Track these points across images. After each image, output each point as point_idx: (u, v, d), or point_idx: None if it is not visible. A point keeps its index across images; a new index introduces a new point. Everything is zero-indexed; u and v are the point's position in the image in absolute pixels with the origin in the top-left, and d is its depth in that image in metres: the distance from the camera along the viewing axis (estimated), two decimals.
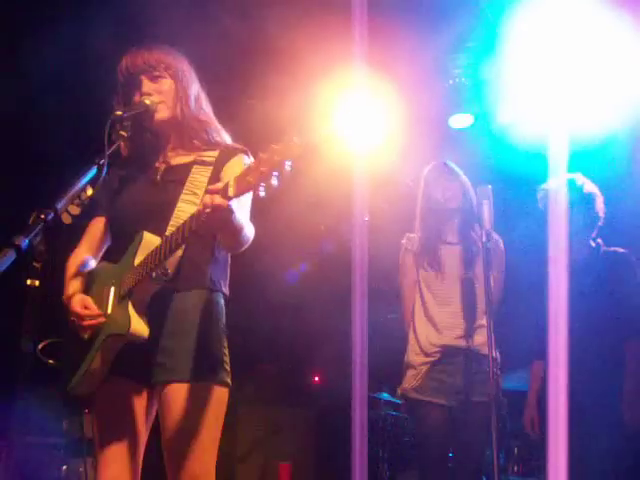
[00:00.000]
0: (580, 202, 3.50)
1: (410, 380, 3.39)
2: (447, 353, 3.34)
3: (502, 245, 3.53)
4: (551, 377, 1.96)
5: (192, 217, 2.04)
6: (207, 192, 2.00)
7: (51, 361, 2.22)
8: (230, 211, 1.99)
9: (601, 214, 3.57)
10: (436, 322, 3.39)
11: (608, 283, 3.44)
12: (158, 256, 2.12)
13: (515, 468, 4.39)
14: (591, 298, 3.32)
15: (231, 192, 1.94)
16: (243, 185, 1.92)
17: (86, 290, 2.28)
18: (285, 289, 5.21)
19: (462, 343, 3.32)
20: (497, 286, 3.42)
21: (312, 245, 5.21)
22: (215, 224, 2.02)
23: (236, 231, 2.12)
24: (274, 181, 1.87)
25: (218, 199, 1.95)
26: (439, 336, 3.37)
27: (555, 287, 1.94)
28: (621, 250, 3.57)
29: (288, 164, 1.87)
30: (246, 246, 2.24)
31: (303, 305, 5.13)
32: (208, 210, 1.96)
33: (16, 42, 3.84)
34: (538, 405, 3.61)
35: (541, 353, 3.52)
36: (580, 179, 3.57)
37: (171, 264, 2.18)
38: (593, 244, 3.58)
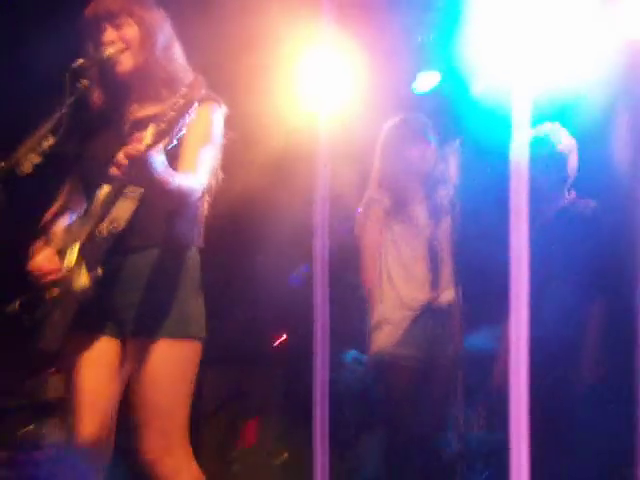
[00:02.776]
0: (552, 159, 3.48)
1: (387, 337, 3.37)
2: (430, 307, 3.34)
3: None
4: (513, 331, 1.97)
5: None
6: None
7: (26, 317, 2.19)
8: (146, 162, 1.92)
9: (573, 171, 3.55)
10: (416, 276, 3.38)
11: (576, 241, 3.45)
12: (101, 210, 2.09)
13: (480, 423, 4.44)
14: (558, 255, 3.34)
15: (147, 140, 1.89)
16: (158, 133, 1.88)
17: (60, 246, 2.25)
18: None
19: (445, 297, 3.31)
20: None
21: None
22: (136, 177, 1.95)
23: (160, 184, 2.03)
24: (184, 127, 1.83)
25: (131, 149, 1.89)
26: (420, 291, 3.37)
27: (516, 242, 1.93)
28: (592, 204, 3.55)
29: (194, 107, 1.84)
30: (186, 200, 2.16)
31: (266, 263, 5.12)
32: (123, 162, 1.90)
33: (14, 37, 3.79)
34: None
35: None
36: (555, 133, 3.53)
37: (120, 218, 2.14)
38: (564, 200, 3.56)
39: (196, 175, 2.17)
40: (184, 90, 1.91)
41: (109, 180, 2.14)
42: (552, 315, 3.11)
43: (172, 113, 1.88)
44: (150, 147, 1.89)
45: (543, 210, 3.46)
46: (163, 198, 2.13)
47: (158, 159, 1.94)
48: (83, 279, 2.14)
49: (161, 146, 1.92)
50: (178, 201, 2.15)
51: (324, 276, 2.73)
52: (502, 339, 3.72)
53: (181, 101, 1.88)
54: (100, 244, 2.16)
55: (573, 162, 3.55)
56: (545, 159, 3.43)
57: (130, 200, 2.14)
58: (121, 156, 1.91)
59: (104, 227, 2.13)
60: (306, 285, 3.14)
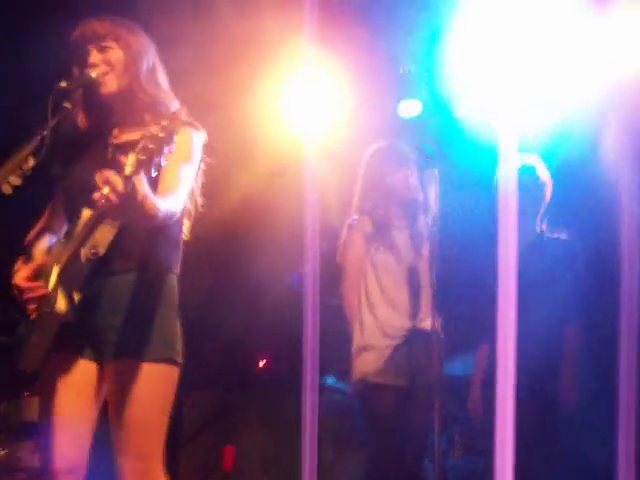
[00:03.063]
0: (531, 188, 3.52)
1: (370, 363, 3.35)
2: (411, 335, 3.34)
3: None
4: (500, 361, 1.96)
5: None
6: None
7: (3, 338, 2.18)
8: (127, 192, 1.91)
9: (546, 202, 3.62)
10: (397, 304, 3.38)
11: (551, 269, 3.49)
12: (82, 235, 2.09)
13: (457, 452, 4.44)
14: (533, 283, 3.36)
15: (127, 171, 1.90)
16: (139, 164, 1.89)
17: (40, 267, 2.24)
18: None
19: (426, 325, 3.31)
20: None
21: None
22: (119, 206, 1.94)
23: (142, 211, 2.01)
24: (163, 159, 1.85)
25: (112, 177, 1.90)
26: (401, 318, 3.36)
27: (504, 273, 1.94)
28: (564, 237, 3.62)
29: (174, 139, 1.85)
30: (166, 222, 2.16)
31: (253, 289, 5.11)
32: (105, 190, 1.90)
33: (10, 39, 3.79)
34: (483, 388, 3.65)
35: (485, 337, 3.57)
36: (535, 164, 3.59)
37: (101, 243, 2.14)
38: (538, 229, 3.62)
39: (175, 197, 2.18)
40: (165, 122, 1.91)
41: (91, 204, 2.14)
42: (528, 342, 3.13)
43: (152, 145, 1.88)
44: (129, 178, 1.89)
45: (519, 238, 3.50)
46: (144, 223, 2.12)
47: (140, 188, 1.93)
48: (60, 304, 2.13)
49: (143, 175, 1.92)
50: (158, 224, 2.15)
51: (315, 300, 2.72)
52: (476, 365, 3.73)
53: (161, 134, 1.88)
54: (80, 269, 2.15)
55: (548, 194, 3.61)
56: (525, 188, 3.46)
57: (111, 225, 2.13)
58: (104, 185, 1.90)
59: (84, 252, 2.13)
60: (290, 309, 3.13)
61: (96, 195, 1.94)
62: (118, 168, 2.10)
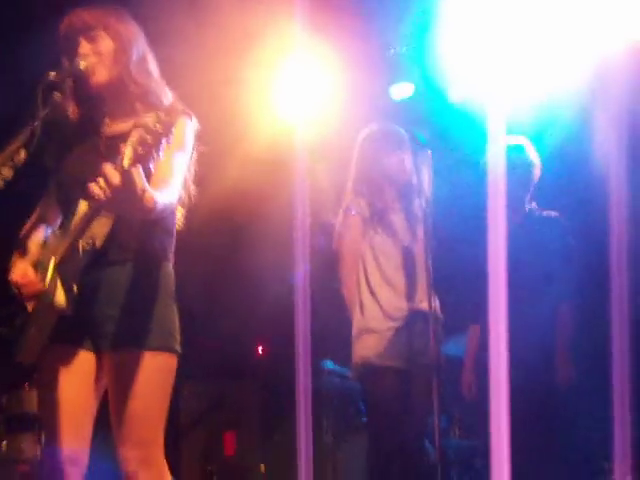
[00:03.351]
0: (520, 166, 3.55)
1: (372, 346, 3.36)
2: (411, 317, 3.35)
3: None
4: (492, 339, 1.99)
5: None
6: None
7: (2, 330, 2.19)
8: (125, 184, 1.91)
9: (535, 182, 3.65)
10: (396, 286, 3.38)
11: (540, 246, 3.51)
12: (79, 227, 2.09)
13: (456, 432, 4.47)
14: (524, 261, 3.38)
15: (125, 163, 1.90)
16: (137, 156, 1.89)
17: (36, 260, 2.24)
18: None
19: (425, 306, 3.31)
20: None
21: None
22: (116, 198, 1.95)
23: (140, 204, 2.01)
24: (160, 151, 1.85)
25: (109, 170, 1.90)
26: (401, 300, 3.37)
27: (494, 253, 1.96)
28: (554, 214, 3.65)
29: (172, 132, 1.86)
30: (163, 214, 2.18)
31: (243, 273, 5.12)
32: (102, 186, 1.90)
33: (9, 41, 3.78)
34: (474, 368, 3.67)
35: (476, 317, 3.59)
36: (524, 144, 3.63)
37: (98, 235, 2.15)
38: (527, 207, 3.65)
39: (170, 188, 2.18)
40: (162, 114, 1.90)
41: (85, 195, 2.14)
42: (521, 320, 3.16)
43: (150, 138, 1.88)
44: (127, 171, 1.89)
45: (509, 217, 3.53)
46: (141, 215, 2.13)
47: (139, 181, 1.94)
48: (59, 297, 2.13)
49: (140, 168, 1.92)
50: (155, 216, 2.16)
51: (305, 287, 2.74)
52: (467, 346, 3.76)
53: (159, 126, 1.88)
54: (77, 261, 2.15)
55: (537, 173, 3.66)
56: (514, 168, 3.48)
57: (106, 216, 2.13)
58: (101, 179, 1.90)
59: (81, 244, 2.13)
60: (287, 297, 3.13)
61: (92, 187, 1.94)
62: (112, 158, 2.11)
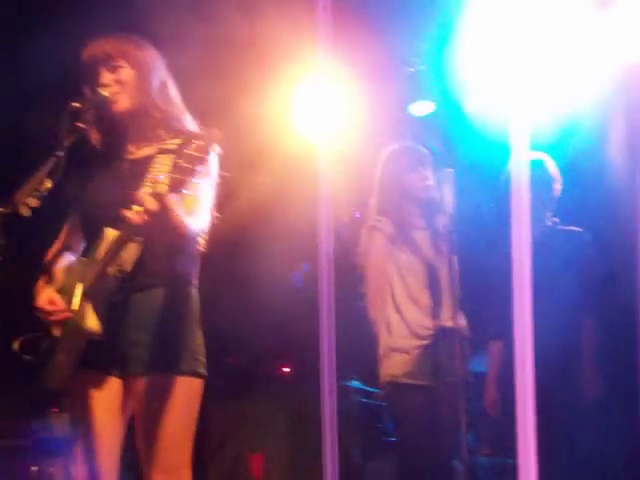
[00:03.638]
0: (541, 181, 3.54)
1: (399, 364, 3.35)
2: (438, 335, 3.34)
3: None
4: (518, 357, 1.96)
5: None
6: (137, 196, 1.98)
7: (28, 357, 2.21)
8: (162, 211, 1.96)
9: (557, 195, 3.63)
10: (422, 304, 3.38)
11: (563, 262, 3.49)
12: (109, 253, 2.11)
13: (485, 449, 4.43)
14: (547, 276, 3.36)
15: (161, 189, 1.94)
16: (173, 182, 1.91)
17: (61, 286, 2.27)
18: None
19: (451, 324, 3.30)
20: None
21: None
22: (153, 225, 1.98)
23: (175, 230, 2.07)
24: (198, 177, 1.88)
25: (145, 196, 1.94)
26: (427, 318, 3.36)
27: (518, 267, 1.94)
28: (576, 229, 3.63)
29: (208, 158, 1.89)
30: (193, 240, 2.21)
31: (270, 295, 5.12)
32: (138, 213, 1.93)
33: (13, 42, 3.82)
34: (497, 385, 3.63)
35: (499, 333, 3.56)
36: (543, 159, 3.62)
37: (128, 261, 2.16)
38: (549, 223, 3.63)
39: (201, 213, 2.22)
40: (199, 143, 1.93)
41: (110, 221, 2.16)
42: (545, 336, 3.13)
43: (185, 164, 1.90)
44: (164, 196, 1.92)
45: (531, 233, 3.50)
46: (175, 241, 2.16)
47: (174, 208, 1.97)
48: (92, 322, 2.15)
49: (177, 194, 1.95)
50: (187, 242, 2.19)
51: (330, 306, 2.73)
52: (490, 361, 3.72)
53: (195, 153, 1.90)
54: (108, 287, 2.18)
55: (558, 188, 3.65)
56: (535, 183, 3.46)
57: (136, 242, 2.16)
58: (138, 205, 1.94)
59: (112, 271, 2.15)
60: (311, 317, 3.13)
61: (128, 213, 1.97)
62: (135, 184, 2.14)
